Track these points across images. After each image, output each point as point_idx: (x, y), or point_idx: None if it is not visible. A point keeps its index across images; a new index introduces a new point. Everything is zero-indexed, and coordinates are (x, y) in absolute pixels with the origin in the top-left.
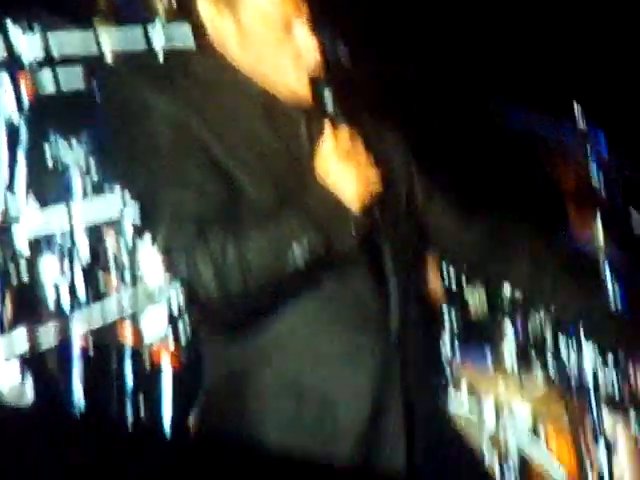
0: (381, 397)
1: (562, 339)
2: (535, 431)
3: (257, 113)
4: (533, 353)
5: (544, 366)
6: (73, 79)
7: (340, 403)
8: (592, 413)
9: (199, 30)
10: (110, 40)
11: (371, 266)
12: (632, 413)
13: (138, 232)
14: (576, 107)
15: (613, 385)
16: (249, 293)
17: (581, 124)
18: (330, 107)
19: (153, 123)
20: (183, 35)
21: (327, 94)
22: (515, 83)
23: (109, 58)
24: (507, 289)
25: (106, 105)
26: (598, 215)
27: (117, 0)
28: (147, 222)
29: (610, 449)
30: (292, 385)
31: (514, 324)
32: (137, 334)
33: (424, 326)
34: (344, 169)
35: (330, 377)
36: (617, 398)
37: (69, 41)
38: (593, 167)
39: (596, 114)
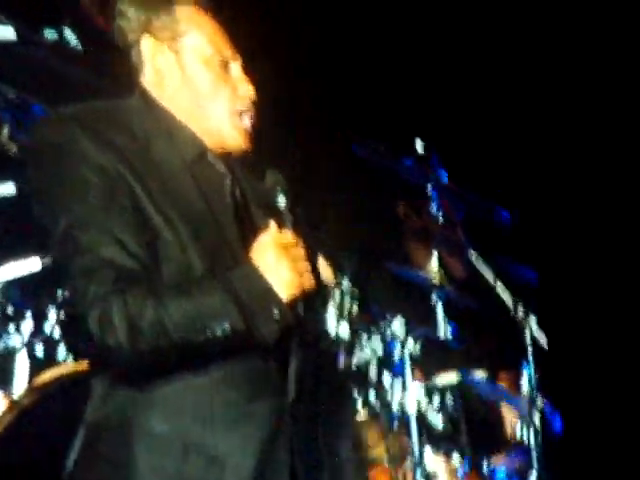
0: (268, 461)
1: (387, 378)
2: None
3: (185, 168)
4: (355, 390)
5: (365, 403)
6: None
7: (227, 463)
8: (414, 453)
9: (134, 73)
10: None
11: (276, 347)
12: (455, 447)
13: None
14: (417, 141)
15: (436, 423)
16: (159, 353)
17: (421, 151)
18: (282, 204)
19: (83, 170)
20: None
21: (280, 193)
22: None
23: None
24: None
25: (34, 151)
26: (434, 252)
27: None
28: (64, 265)
29: None
30: (179, 440)
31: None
32: None
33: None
34: (280, 258)
35: (220, 438)
36: (440, 434)
37: None
38: (433, 196)
39: (436, 146)
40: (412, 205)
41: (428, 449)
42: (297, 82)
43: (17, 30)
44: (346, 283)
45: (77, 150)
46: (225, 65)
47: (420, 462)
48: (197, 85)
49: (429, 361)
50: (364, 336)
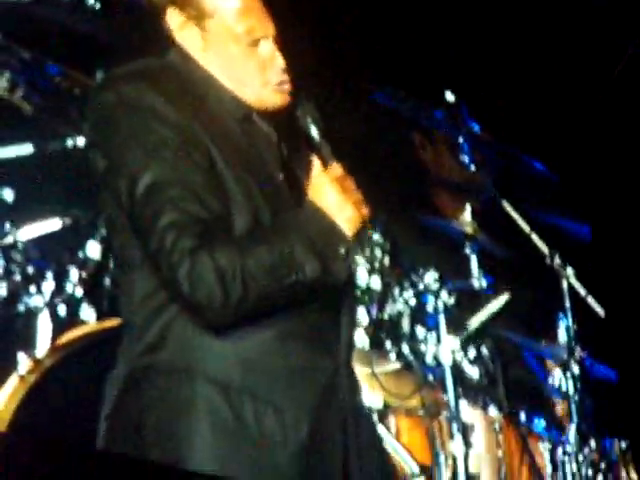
0: (320, 426)
1: (420, 330)
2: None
3: (237, 127)
4: (388, 341)
5: (399, 354)
6: None
7: (285, 415)
8: (450, 406)
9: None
10: None
11: (328, 302)
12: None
13: None
14: (447, 91)
15: (472, 374)
16: (248, 304)
17: (452, 100)
18: (316, 135)
19: (158, 127)
20: None
21: (311, 124)
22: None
23: None
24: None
25: (101, 108)
26: (467, 203)
27: None
28: (147, 221)
29: (467, 443)
30: (240, 388)
31: (368, 312)
32: None
33: None
34: (337, 193)
35: (280, 389)
36: (476, 385)
37: None
38: (464, 147)
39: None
40: (428, 137)
41: (464, 401)
42: (324, 35)
43: None
44: (376, 235)
45: (149, 107)
46: (255, 43)
47: (456, 414)
48: (228, 63)
49: (463, 313)
50: (396, 289)
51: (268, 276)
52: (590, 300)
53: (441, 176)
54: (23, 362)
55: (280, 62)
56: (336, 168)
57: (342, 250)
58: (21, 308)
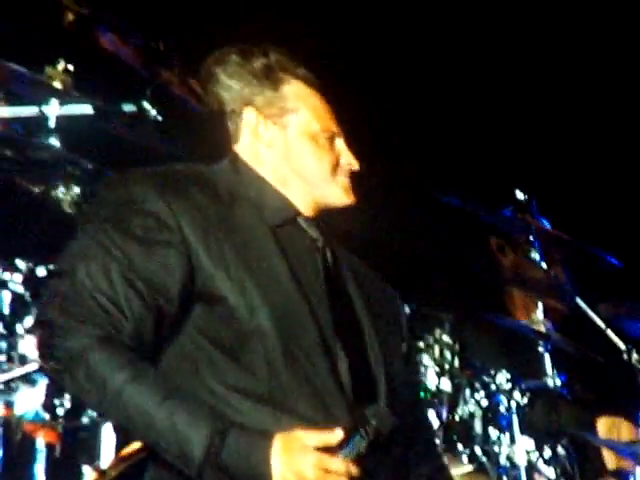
0: None
1: (493, 431)
2: None
3: (268, 233)
4: (459, 444)
5: (471, 456)
6: None
7: None
8: None
9: (228, 138)
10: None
11: None
12: None
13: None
14: (517, 191)
15: (548, 474)
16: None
17: (521, 199)
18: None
19: (138, 218)
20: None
21: None
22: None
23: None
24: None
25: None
26: (539, 302)
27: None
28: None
29: None
30: None
31: (438, 414)
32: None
33: None
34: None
35: None
36: None
37: None
38: (536, 244)
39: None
40: (507, 241)
41: None
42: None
43: (95, 106)
44: (445, 337)
45: (139, 206)
46: (331, 140)
47: None
48: (302, 159)
49: (538, 413)
50: (467, 390)
51: (137, 425)
52: None
53: (519, 277)
54: (88, 474)
55: (352, 160)
56: (341, 466)
57: None
58: (85, 420)
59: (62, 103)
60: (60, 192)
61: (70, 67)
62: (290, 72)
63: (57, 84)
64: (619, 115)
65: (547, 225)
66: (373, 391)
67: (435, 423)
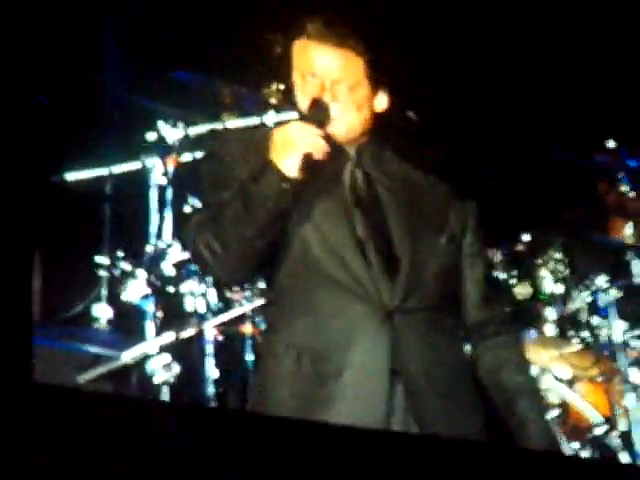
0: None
1: (595, 319)
2: (574, 389)
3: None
4: (571, 331)
5: (581, 341)
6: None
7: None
8: (621, 371)
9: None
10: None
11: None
12: None
13: None
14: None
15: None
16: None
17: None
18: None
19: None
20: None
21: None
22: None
23: None
24: (549, 286)
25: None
26: (629, 222)
27: (239, 96)
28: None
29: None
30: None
31: (555, 310)
32: (254, 327)
33: None
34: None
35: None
36: None
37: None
38: (625, 180)
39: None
40: (609, 183)
41: (634, 368)
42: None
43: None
44: (558, 254)
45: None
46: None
47: (627, 378)
48: None
49: (631, 303)
50: (575, 291)
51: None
52: None
53: (621, 208)
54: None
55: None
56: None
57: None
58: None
59: (277, 112)
60: None
61: (281, 86)
62: None
63: (272, 100)
64: None
65: (635, 164)
66: (395, 268)
67: (553, 316)
